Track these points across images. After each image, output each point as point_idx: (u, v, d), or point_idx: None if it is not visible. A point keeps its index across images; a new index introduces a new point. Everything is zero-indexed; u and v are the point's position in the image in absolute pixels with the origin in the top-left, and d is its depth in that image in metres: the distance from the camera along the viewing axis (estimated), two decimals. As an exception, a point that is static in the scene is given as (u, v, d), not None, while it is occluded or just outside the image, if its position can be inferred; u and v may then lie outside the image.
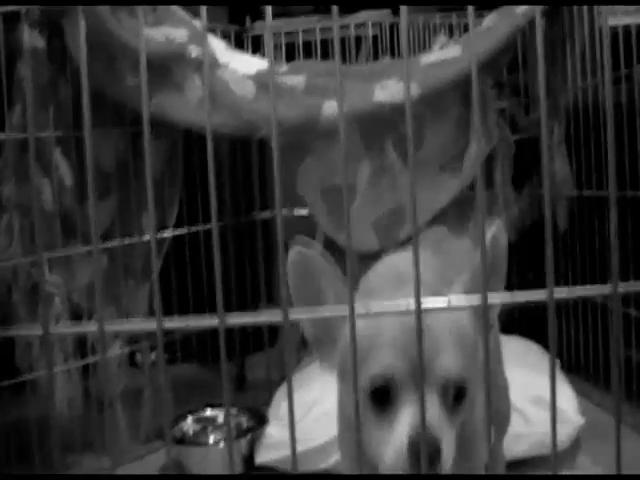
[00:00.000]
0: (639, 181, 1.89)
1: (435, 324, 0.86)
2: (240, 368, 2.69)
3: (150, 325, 0.60)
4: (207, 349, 2.49)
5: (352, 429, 0.94)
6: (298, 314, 0.63)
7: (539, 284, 0.59)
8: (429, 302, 0.65)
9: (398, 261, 1.07)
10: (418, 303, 0.59)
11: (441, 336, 0.87)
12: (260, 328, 2.63)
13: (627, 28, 1.99)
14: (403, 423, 0.84)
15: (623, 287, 0.56)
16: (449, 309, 0.69)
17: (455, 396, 0.88)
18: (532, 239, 2.24)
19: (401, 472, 0.84)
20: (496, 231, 0.92)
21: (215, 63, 2.00)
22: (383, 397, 0.87)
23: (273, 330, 2.63)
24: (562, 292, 0.56)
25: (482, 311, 0.58)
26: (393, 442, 0.84)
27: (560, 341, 2.32)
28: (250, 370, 2.70)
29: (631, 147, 1.93)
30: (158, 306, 0.59)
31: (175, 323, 0.61)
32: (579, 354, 2.29)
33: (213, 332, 2.33)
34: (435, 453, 0.82)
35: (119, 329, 0.63)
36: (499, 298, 0.62)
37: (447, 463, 0.84)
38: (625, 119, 1.95)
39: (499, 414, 1.47)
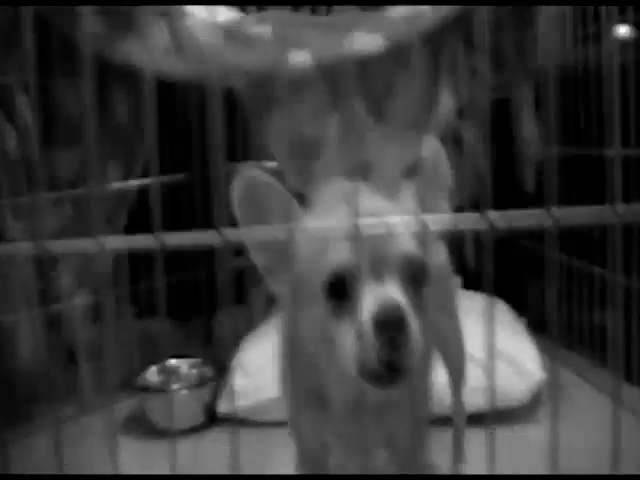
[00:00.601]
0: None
1: (388, 212, 0.87)
2: (208, 324, 2.70)
3: (151, 242, 0.60)
4: (174, 304, 2.49)
5: (300, 355, 0.96)
6: (236, 235, 0.63)
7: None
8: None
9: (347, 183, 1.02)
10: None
11: (396, 225, 0.85)
12: (229, 286, 2.63)
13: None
14: (365, 307, 0.80)
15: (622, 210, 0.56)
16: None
17: (416, 278, 0.85)
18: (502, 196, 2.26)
19: (368, 359, 0.79)
20: (434, 146, 0.93)
21: (180, 10, 1.97)
22: (342, 292, 0.83)
23: (241, 287, 2.64)
24: (496, 216, 0.57)
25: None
26: (357, 326, 0.80)
27: (526, 300, 2.36)
28: (218, 326, 2.71)
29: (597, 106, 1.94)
30: (158, 222, 0.60)
31: (176, 238, 0.61)
32: (544, 312, 2.32)
33: (180, 286, 2.34)
34: (401, 320, 0.78)
35: (118, 245, 0.63)
36: (436, 220, 0.63)
37: (415, 345, 0.79)
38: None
39: (452, 363, 1.49)
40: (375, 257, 0.82)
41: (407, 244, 0.85)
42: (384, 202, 0.91)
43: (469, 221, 0.58)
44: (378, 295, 0.80)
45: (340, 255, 0.83)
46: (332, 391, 0.96)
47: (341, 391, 0.94)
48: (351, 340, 0.80)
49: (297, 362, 0.98)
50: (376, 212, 0.84)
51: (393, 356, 0.78)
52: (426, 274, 0.85)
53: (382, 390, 0.83)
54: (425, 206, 0.88)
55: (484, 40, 0.58)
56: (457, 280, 2.29)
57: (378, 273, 0.82)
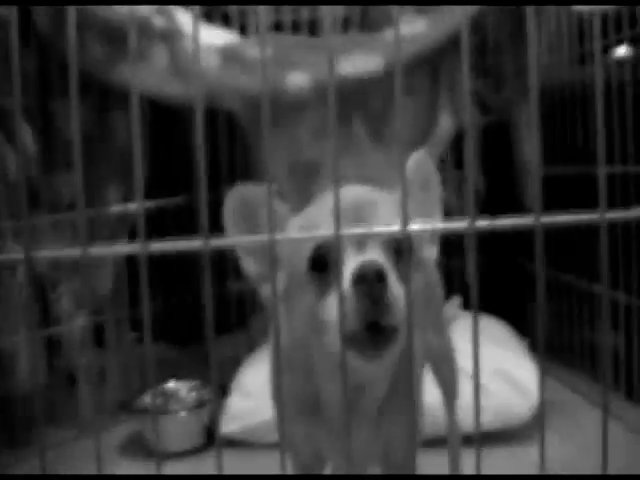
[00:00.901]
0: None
1: (374, 199, 0.88)
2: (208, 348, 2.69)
3: (134, 248, 0.60)
4: (172, 328, 2.49)
5: (291, 359, 0.95)
6: (221, 242, 0.64)
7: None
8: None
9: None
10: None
11: (381, 205, 0.86)
12: (229, 311, 2.64)
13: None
14: (346, 272, 0.78)
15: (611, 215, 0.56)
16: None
17: (399, 252, 0.82)
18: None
19: (350, 322, 0.76)
20: (421, 157, 0.93)
21: (179, 33, 2.00)
22: (325, 266, 0.82)
23: (242, 312, 2.64)
24: (484, 223, 0.58)
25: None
26: (338, 293, 0.76)
27: (528, 321, 2.35)
28: (219, 350, 2.70)
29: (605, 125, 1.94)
30: (142, 229, 0.60)
31: (160, 246, 0.62)
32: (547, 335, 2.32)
33: (180, 312, 2.34)
34: (380, 275, 0.75)
35: (102, 253, 0.63)
36: (421, 226, 0.63)
37: (398, 310, 0.77)
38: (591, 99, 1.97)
39: (444, 379, 1.47)
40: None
41: (389, 216, 0.85)
42: (372, 190, 0.92)
43: (454, 225, 0.58)
44: (359, 260, 0.79)
45: (322, 231, 0.82)
46: (325, 391, 0.95)
47: (334, 391, 0.93)
48: (334, 309, 0.77)
49: (289, 366, 0.97)
50: (362, 196, 0.87)
51: (375, 314, 0.76)
52: (409, 249, 0.82)
53: (368, 361, 0.80)
54: (415, 214, 0.88)
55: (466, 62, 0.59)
56: (458, 300, 2.29)
57: (360, 245, 0.81)
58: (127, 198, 2.19)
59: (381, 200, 0.88)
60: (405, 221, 0.64)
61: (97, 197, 2.13)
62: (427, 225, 0.61)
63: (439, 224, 0.59)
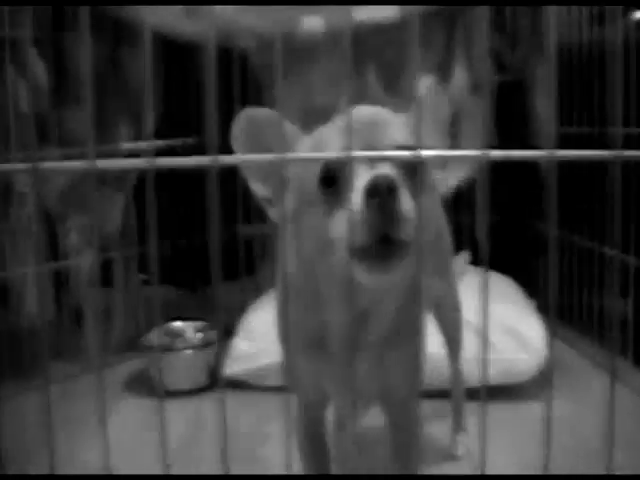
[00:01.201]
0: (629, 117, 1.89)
1: (385, 118, 0.87)
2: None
3: (142, 163, 0.61)
4: (182, 272, 2.50)
5: (299, 289, 0.95)
6: (229, 159, 0.64)
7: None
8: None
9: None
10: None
11: (392, 124, 0.86)
12: (237, 256, 2.65)
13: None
14: (357, 186, 0.77)
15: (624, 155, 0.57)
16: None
17: (409, 167, 0.82)
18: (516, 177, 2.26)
19: (360, 234, 0.76)
20: (431, 82, 0.94)
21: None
22: (335, 182, 0.82)
23: (250, 258, 2.65)
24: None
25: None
26: (349, 206, 0.77)
27: (537, 282, 2.35)
28: (226, 295, 2.71)
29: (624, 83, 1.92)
30: (149, 146, 0.60)
31: (167, 161, 0.63)
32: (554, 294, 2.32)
33: (189, 256, 2.33)
34: (391, 187, 0.74)
35: (109, 166, 0.63)
36: (435, 152, 0.63)
37: (409, 224, 0.76)
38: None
39: (449, 329, 1.48)
40: (368, 147, 0.81)
41: (399, 134, 0.85)
42: (383, 110, 0.91)
43: (468, 152, 0.58)
44: (370, 173, 0.78)
45: (333, 148, 0.83)
46: (331, 323, 0.94)
47: (339, 323, 0.93)
48: (343, 225, 0.77)
49: (296, 296, 0.97)
50: (374, 115, 0.87)
51: (386, 227, 0.75)
52: (419, 164, 0.82)
53: (377, 276, 0.79)
54: (422, 139, 0.87)
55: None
56: (467, 256, 2.29)
57: (372, 163, 0.80)
58: (138, 136, 2.18)
59: (392, 120, 0.87)
60: (418, 141, 0.64)
61: (108, 134, 2.12)
62: (441, 151, 0.61)
63: (454, 151, 0.59)
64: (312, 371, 1.02)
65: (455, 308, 1.47)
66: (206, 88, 0.60)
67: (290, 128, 0.92)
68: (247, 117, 0.90)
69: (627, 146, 1.87)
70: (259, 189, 0.93)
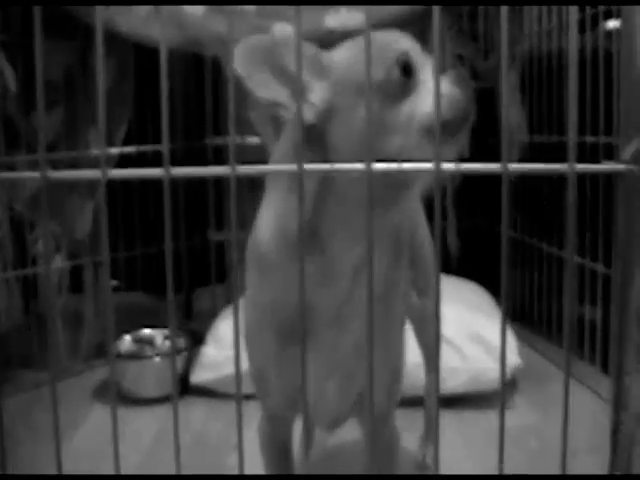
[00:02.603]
0: (598, 127, 1.90)
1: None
2: (187, 299, 2.70)
3: (95, 174, 0.60)
4: (152, 278, 2.48)
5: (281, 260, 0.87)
6: (179, 172, 0.63)
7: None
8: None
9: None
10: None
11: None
12: (209, 264, 2.64)
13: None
14: (428, 76, 0.86)
15: (579, 168, 0.58)
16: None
17: None
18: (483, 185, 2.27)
19: (448, 109, 0.83)
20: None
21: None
22: (408, 71, 0.85)
23: (221, 265, 2.64)
24: (517, 166, 0.59)
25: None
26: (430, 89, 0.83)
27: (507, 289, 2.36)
28: (197, 302, 2.72)
29: (592, 93, 1.93)
30: (103, 154, 0.59)
31: (121, 172, 0.61)
32: (524, 302, 2.34)
33: (159, 260, 2.31)
34: (469, 78, 0.86)
35: (63, 177, 0.63)
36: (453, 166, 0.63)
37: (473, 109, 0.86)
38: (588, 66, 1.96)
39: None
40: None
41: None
42: None
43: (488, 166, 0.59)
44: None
45: (404, 43, 0.88)
46: (320, 296, 0.88)
47: (324, 297, 0.89)
48: (424, 104, 0.83)
49: (270, 272, 0.90)
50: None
51: (469, 104, 0.84)
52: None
53: (452, 147, 0.85)
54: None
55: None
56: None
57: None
58: (109, 143, 2.17)
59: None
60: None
61: (78, 139, 2.11)
62: (461, 166, 0.61)
63: (474, 165, 0.60)
64: (286, 367, 0.93)
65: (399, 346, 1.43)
66: (161, 95, 0.59)
67: (308, 49, 0.88)
68: (250, 44, 0.83)
69: (594, 155, 1.89)
70: (269, 94, 0.83)
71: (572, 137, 0.57)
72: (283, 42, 0.85)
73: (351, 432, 1.55)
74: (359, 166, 0.61)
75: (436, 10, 0.59)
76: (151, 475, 1.51)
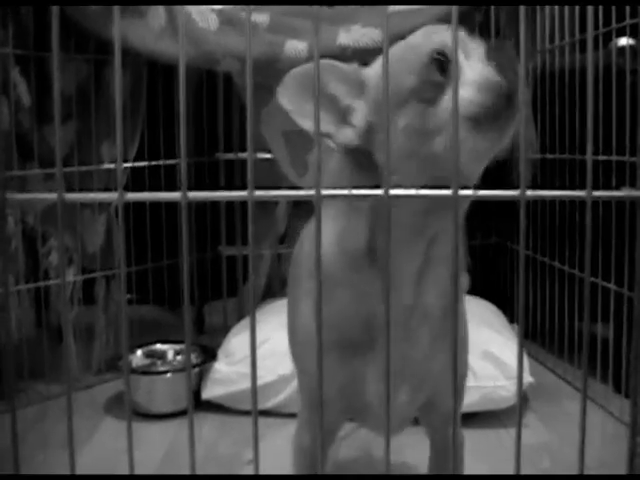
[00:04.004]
0: (611, 146, 1.90)
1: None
2: (199, 313, 2.71)
3: (111, 196, 0.60)
4: (164, 291, 2.49)
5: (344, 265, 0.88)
6: (197, 195, 0.63)
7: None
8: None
9: None
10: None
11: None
12: (220, 277, 2.64)
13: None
14: (473, 64, 0.81)
15: (597, 194, 0.58)
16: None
17: None
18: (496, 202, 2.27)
19: (488, 93, 0.79)
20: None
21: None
22: (444, 68, 0.81)
23: (232, 280, 2.65)
24: (533, 193, 0.59)
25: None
26: (471, 76, 0.80)
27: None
28: (208, 316, 2.73)
29: (604, 112, 1.93)
30: (120, 178, 0.59)
31: (138, 195, 0.61)
32: (536, 320, 2.33)
33: (170, 274, 2.32)
34: (512, 56, 0.80)
35: (79, 198, 0.63)
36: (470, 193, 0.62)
37: (522, 87, 0.78)
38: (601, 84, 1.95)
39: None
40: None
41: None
42: None
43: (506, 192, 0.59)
44: (480, 52, 0.81)
45: (438, 37, 0.83)
46: (380, 307, 0.86)
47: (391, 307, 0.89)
48: (464, 91, 0.79)
49: (334, 285, 0.89)
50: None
51: (509, 82, 0.79)
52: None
53: (499, 135, 0.81)
54: None
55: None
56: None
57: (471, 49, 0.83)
58: (122, 155, 2.18)
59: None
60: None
61: (93, 152, 2.12)
62: (478, 192, 0.61)
63: (491, 192, 0.60)
64: (348, 379, 0.93)
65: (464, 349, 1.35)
66: (176, 113, 0.59)
67: (357, 72, 0.87)
68: (300, 73, 0.83)
69: (607, 173, 1.87)
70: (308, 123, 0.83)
71: (589, 163, 0.57)
72: (327, 69, 0.85)
73: (362, 446, 1.55)
74: (378, 192, 0.61)
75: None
76: (151, 475, 1.51)
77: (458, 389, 1.02)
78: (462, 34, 0.85)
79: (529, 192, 0.58)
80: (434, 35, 0.85)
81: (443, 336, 0.92)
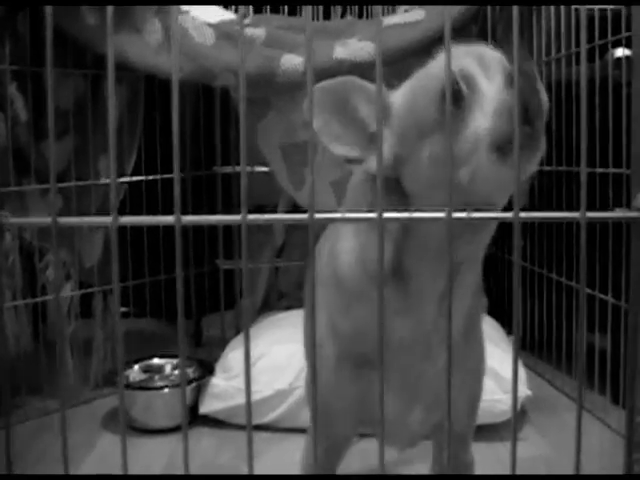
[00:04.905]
0: (608, 158, 1.90)
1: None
2: (196, 326, 2.70)
3: (105, 220, 0.60)
4: (161, 304, 2.49)
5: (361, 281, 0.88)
6: (191, 220, 0.62)
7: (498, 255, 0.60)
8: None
9: None
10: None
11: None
12: (218, 290, 2.64)
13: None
14: (493, 89, 0.78)
15: (590, 215, 0.58)
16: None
17: None
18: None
19: (504, 126, 0.75)
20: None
21: (175, 8, 1.98)
22: (459, 96, 0.78)
23: (230, 292, 2.65)
24: (527, 215, 0.59)
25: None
26: (488, 106, 0.77)
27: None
28: (206, 329, 2.72)
29: (601, 124, 1.93)
30: (114, 203, 0.59)
31: (132, 219, 0.61)
32: (534, 331, 2.32)
33: (167, 287, 2.31)
34: (531, 73, 0.76)
35: (73, 222, 0.63)
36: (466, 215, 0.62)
37: (546, 113, 0.78)
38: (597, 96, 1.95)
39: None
40: (479, 60, 0.81)
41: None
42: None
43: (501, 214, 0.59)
44: (501, 78, 0.78)
45: (456, 63, 0.79)
46: (405, 323, 0.88)
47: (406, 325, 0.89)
48: (479, 123, 0.77)
49: (352, 299, 0.90)
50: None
51: (530, 108, 0.75)
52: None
53: (522, 165, 0.76)
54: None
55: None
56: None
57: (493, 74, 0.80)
58: (119, 172, 2.18)
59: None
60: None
61: (90, 167, 2.12)
62: (473, 214, 0.60)
63: (485, 215, 0.60)
64: (361, 395, 0.93)
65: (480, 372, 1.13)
66: (172, 131, 0.59)
67: (386, 95, 0.86)
68: (328, 89, 0.83)
69: (603, 186, 1.87)
70: (343, 150, 0.84)
71: (583, 187, 0.57)
72: (356, 88, 0.84)
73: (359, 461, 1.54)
74: (371, 215, 0.60)
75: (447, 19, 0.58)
76: (149, 475, 1.50)
77: (471, 411, 1.02)
78: (482, 50, 0.83)
79: (523, 214, 0.57)
80: (453, 61, 0.81)
81: (461, 358, 0.90)
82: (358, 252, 0.90)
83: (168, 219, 0.59)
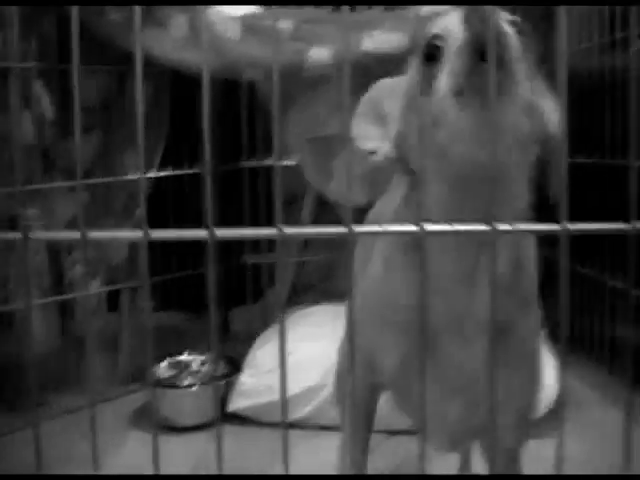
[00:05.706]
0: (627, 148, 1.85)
1: None
2: (223, 320, 2.69)
3: (136, 235, 0.58)
4: (185, 298, 2.48)
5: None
6: (223, 234, 0.60)
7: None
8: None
9: None
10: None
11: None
12: (244, 284, 2.63)
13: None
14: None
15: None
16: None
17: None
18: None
19: (460, 66, 0.71)
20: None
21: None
22: (435, 55, 0.76)
23: (257, 286, 2.63)
24: (575, 227, 0.55)
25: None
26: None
27: (547, 311, 2.31)
28: (233, 323, 2.71)
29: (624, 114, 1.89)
30: (143, 215, 0.58)
31: (162, 233, 0.59)
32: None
33: (194, 281, 2.30)
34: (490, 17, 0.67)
35: (101, 237, 0.61)
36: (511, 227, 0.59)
37: (510, 45, 0.71)
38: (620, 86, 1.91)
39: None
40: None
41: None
42: None
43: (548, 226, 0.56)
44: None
45: (439, 22, 0.78)
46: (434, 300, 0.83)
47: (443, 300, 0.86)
48: (445, 69, 0.73)
49: (389, 277, 0.91)
50: None
51: (485, 41, 0.68)
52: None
53: (480, 111, 0.70)
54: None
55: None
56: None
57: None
58: (145, 166, 2.17)
59: None
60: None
61: (116, 164, 2.12)
62: (519, 226, 0.57)
63: (532, 226, 0.57)
64: (397, 359, 0.93)
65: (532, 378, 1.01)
66: (204, 138, 0.57)
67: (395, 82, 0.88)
68: (367, 99, 0.88)
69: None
70: (372, 145, 0.87)
71: (633, 194, 0.54)
72: (385, 89, 0.88)
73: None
74: (414, 228, 0.58)
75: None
76: (150, 475, 1.49)
77: (520, 423, 0.95)
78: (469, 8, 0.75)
79: (571, 226, 0.54)
80: (439, 21, 0.80)
81: (506, 357, 0.83)
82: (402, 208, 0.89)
83: (200, 233, 0.57)
